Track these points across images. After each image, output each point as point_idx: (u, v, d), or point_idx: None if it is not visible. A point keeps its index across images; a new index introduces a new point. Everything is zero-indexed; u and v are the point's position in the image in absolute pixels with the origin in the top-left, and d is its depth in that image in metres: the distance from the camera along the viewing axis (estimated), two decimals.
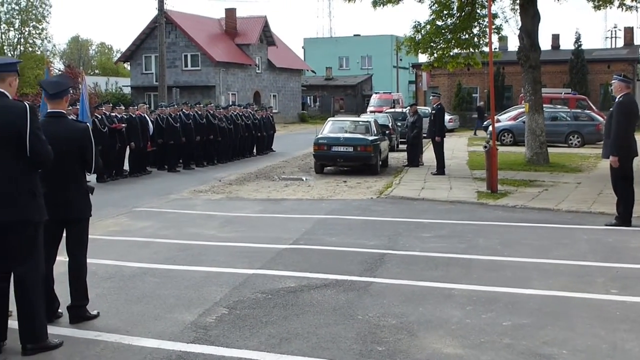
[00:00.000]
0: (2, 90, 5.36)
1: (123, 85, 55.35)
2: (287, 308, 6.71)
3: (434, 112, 19.98)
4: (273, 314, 6.53)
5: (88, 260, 6.48)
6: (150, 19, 50.27)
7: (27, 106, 5.31)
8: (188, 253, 9.32)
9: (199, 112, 22.48)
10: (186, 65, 53.46)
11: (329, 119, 24.18)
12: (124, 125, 18.57)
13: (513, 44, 49.15)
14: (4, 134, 5.20)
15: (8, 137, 5.21)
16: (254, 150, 27.50)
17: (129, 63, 57.33)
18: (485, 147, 15.82)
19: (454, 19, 21.98)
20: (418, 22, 22.26)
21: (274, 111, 38.56)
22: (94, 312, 6.35)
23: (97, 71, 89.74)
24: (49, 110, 6.19)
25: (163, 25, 36.67)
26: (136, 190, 16.57)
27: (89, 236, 6.45)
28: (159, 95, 36.46)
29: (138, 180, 18.70)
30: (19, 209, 5.29)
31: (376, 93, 55.85)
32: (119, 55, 71.14)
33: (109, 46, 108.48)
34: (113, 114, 18.70)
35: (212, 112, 23.37)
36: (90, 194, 6.28)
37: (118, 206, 13.79)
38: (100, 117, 17.92)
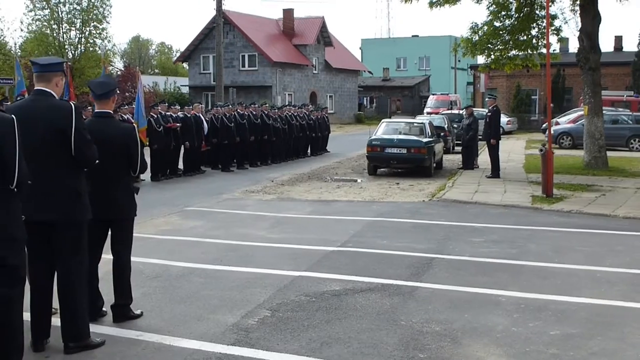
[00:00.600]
0: (49, 90, 5.42)
1: (181, 85, 56.00)
2: (330, 312, 6.66)
3: (489, 114, 19.71)
4: (315, 317, 6.49)
5: (137, 259, 6.56)
6: (209, 20, 50.78)
7: (72, 106, 5.37)
8: (236, 254, 9.35)
9: (254, 112, 22.60)
10: (243, 66, 53.84)
11: (382, 120, 24.06)
12: (178, 124, 18.77)
13: (574, 46, 48.10)
14: (50, 133, 5.27)
15: (53, 136, 5.28)
16: (308, 151, 27.53)
17: (187, 63, 58.02)
18: (541, 150, 15.52)
19: (512, 20, 21.62)
20: (475, 23, 21.98)
21: (330, 112, 38.58)
22: (138, 312, 6.40)
23: (156, 71, 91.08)
24: (96, 111, 6.27)
25: (221, 26, 36.96)
26: (189, 190, 16.72)
27: (140, 235, 6.55)
28: (216, 95, 36.77)
29: (191, 180, 18.88)
30: (64, 208, 5.35)
31: (433, 94, 55.34)
32: (178, 55, 72.08)
33: (169, 46, 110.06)
34: (168, 114, 18.91)
35: (266, 112, 23.48)
36: (135, 194, 6.32)
37: (170, 205, 13.93)
38: (155, 116, 18.14)
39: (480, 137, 21.49)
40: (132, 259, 6.48)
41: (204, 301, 6.98)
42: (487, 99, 20.72)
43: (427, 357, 5.52)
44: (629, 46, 56.69)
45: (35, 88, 5.46)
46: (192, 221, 12.08)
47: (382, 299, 7.10)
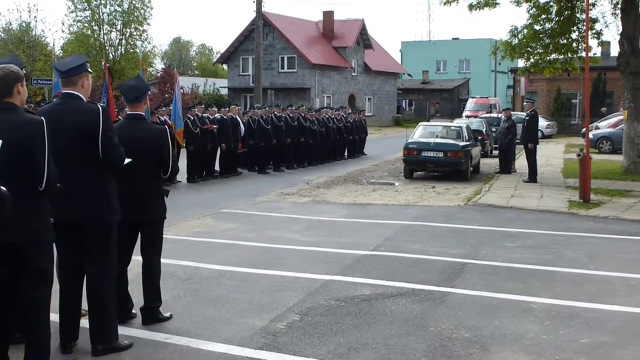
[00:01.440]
0: (76, 92, 5.46)
1: (220, 87, 56.42)
2: (359, 316, 6.65)
3: (527, 118, 19.52)
4: (344, 322, 6.48)
5: (169, 261, 6.61)
6: (249, 21, 51.08)
7: (100, 108, 5.41)
8: (268, 257, 9.38)
9: (291, 115, 22.67)
10: (282, 67, 54.05)
11: (420, 123, 23.98)
12: (215, 126, 18.89)
13: (615, 49, 47.44)
14: (78, 136, 5.32)
15: (81, 138, 5.33)
16: (345, 154, 27.52)
17: (226, 64, 58.41)
18: (579, 154, 15.32)
19: (552, 24, 21.41)
20: (515, 26, 21.79)
21: (368, 114, 38.55)
22: (167, 314, 6.45)
23: (196, 72, 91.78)
24: (128, 113, 6.34)
25: (260, 28, 37.19)
26: (225, 191, 16.83)
27: (173, 237, 6.61)
28: (255, 97, 36.99)
29: (228, 181, 18.99)
30: (93, 209, 5.40)
31: (472, 97, 54.94)
32: (217, 56, 72.60)
33: (209, 47, 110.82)
34: (205, 115, 19.05)
35: (303, 114, 23.53)
36: (165, 197, 6.38)
37: (205, 207, 14.04)
38: (192, 118, 18.29)
39: (518, 141, 21.29)
40: (164, 261, 6.54)
41: (233, 304, 7.02)
42: (525, 103, 20.50)
43: None
44: None
45: (63, 91, 5.52)
46: (226, 223, 12.16)
47: (412, 304, 7.07)
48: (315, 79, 53.43)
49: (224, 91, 56.03)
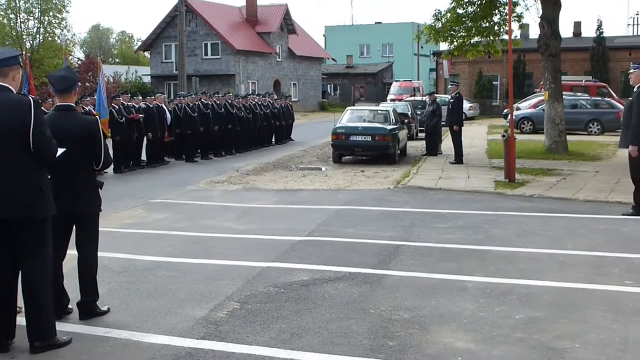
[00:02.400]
0: (6, 84, 5.30)
1: (143, 74, 55.49)
2: (299, 302, 6.68)
3: (452, 100, 19.86)
4: (285, 308, 6.51)
5: (101, 254, 6.49)
6: (171, 8, 50.39)
7: (31, 100, 5.27)
8: (202, 246, 9.33)
9: (217, 102, 22.48)
10: (206, 54, 53.52)
11: (347, 108, 24.14)
12: (141, 115, 18.59)
13: (534, 32, 48.64)
14: (9, 129, 5.17)
15: (12, 132, 5.18)
16: (273, 140, 27.49)
17: (149, 52, 57.48)
18: (504, 136, 15.69)
19: (474, 7, 21.77)
20: (439, 10, 22.10)
21: (294, 100, 38.51)
22: (105, 308, 6.34)
23: (117, 60, 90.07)
24: (57, 104, 6.18)
25: (183, 14, 36.67)
26: (153, 181, 16.62)
27: (104, 229, 6.47)
28: (179, 84, 36.49)
29: (155, 171, 18.75)
30: (26, 205, 5.26)
31: (397, 81, 55.53)
32: (139, 44, 71.39)
33: (130, 35, 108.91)
34: (130, 104, 18.73)
35: (230, 101, 23.37)
36: (99, 189, 6.26)
37: (134, 197, 13.84)
38: (117, 107, 17.96)
39: (443, 123, 21.65)
40: (97, 254, 6.43)
41: (171, 295, 6.95)
42: (449, 86, 20.84)
43: (396, 344, 5.57)
44: (587, 32, 57.47)
45: None
46: (157, 214, 12.01)
47: (351, 288, 7.14)
48: (239, 65, 53.08)
49: (147, 79, 55.14)
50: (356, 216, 11.50)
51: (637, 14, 75.02)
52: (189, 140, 21.03)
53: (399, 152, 20.35)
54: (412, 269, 7.93)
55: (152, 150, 19.68)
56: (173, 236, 9.98)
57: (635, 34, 69.18)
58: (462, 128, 19.69)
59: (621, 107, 30.32)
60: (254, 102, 25.28)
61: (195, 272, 7.83)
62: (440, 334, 5.80)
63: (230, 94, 27.14)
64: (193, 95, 22.66)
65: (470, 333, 5.81)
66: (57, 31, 43.00)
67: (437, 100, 22.36)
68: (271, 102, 27.34)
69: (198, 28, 53.04)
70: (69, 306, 6.29)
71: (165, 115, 20.02)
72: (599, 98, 33.82)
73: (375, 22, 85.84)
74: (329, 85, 73.92)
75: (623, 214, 11.03)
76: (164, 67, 54.11)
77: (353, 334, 5.80)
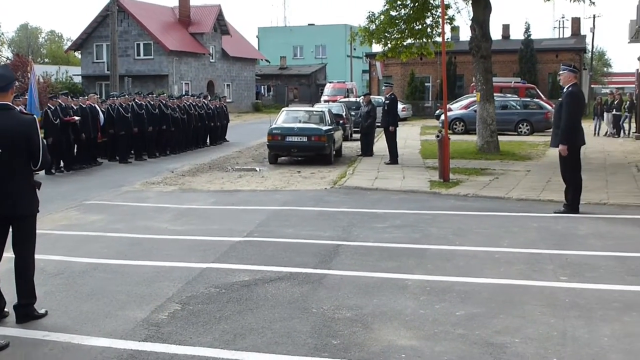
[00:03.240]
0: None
1: (74, 75, 54.32)
2: (241, 303, 6.65)
3: (387, 101, 20.04)
4: (227, 309, 6.47)
5: (36, 256, 6.33)
6: (102, 7, 49.56)
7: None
8: (140, 247, 9.20)
9: (152, 102, 22.19)
10: (139, 54, 52.75)
11: (283, 109, 24.14)
12: (77, 118, 18.20)
13: (465, 34, 49.52)
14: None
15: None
16: (208, 141, 27.28)
17: (80, 52, 56.33)
18: (438, 136, 15.92)
19: (407, 10, 22.02)
20: (372, 12, 22.29)
21: (227, 101, 38.24)
22: (42, 311, 6.20)
23: (46, 60, 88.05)
24: None
25: (115, 14, 36.05)
26: (86, 183, 16.30)
27: (38, 231, 6.29)
28: (111, 85, 35.86)
29: (88, 172, 18.39)
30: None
31: (330, 82, 55.82)
32: (69, 43, 69.90)
33: (59, 34, 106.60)
34: (68, 105, 18.28)
35: (164, 102, 23.10)
36: (37, 189, 6.11)
37: (68, 199, 13.56)
38: (53, 108, 17.51)
39: (378, 124, 21.84)
40: (34, 256, 6.27)
41: (110, 297, 6.83)
42: (384, 87, 21.02)
43: (340, 343, 5.60)
44: (515, 34, 58.71)
45: None
46: (92, 215, 11.79)
47: (292, 288, 7.14)
48: (172, 65, 52.50)
49: (78, 79, 54.03)
50: (294, 216, 11.51)
51: (563, 17, 77.09)
52: (123, 141, 20.70)
53: (334, 152, 20.45)
54: (353, 268, 7.98)
55: (85, 151, 19.29)
56: (109, 238, 9.81)
57: (561, 36, 71.09)
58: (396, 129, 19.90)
59: (549, 107, 31.27)
60: (188, 103, 25.04)
61: (134, 274, 7.72)
62: (383, 332, 5.85)
63: (164, 94, 26.83)
64: (127, 96, 22.30)
65: (412, 330, 5.88)
66: None
67: (372, 101, 22.54)
68: (206, 102, 27.14)
69: (130, 28, 52.25)
70: (6, 310, 6.13)
71: (98, 115, 19.67)
72: (528, 99, 34.70)
73: (309, 24, 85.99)
74: (262, 87, 73.73)
75: (555, 212, 11.31)
76: (96, 67, 53.12)
77: (297, 334, 5.80)
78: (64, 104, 18.12)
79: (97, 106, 19.91)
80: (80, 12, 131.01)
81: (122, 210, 12.40)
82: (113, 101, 20.98)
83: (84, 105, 19.05)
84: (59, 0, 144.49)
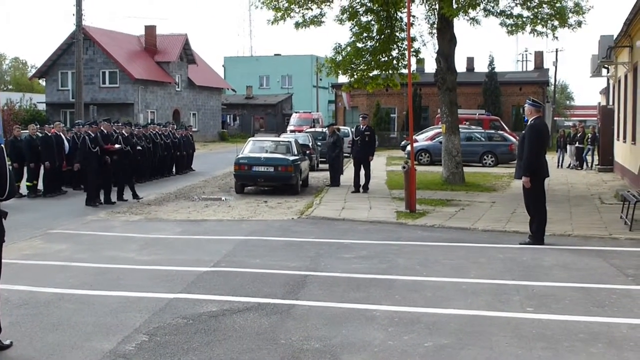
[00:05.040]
0: None
1: (38, 102, 53.89)
2: (209, 333, 6.61)
3: (368, 132, 20.07)
4: (195, 340, 6.42)
5: (1, 287, 6.25)
6: (68, 35, 49.33)
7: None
8: (106, 277, 9.10)
9: (117, 131, 21.99)
10: (104, 82, 52.57)
11: (249, 138, 24.18)
12: (119, 146, 17.92)
13: (430, 66, 50.16)
14: None
15: None
16: (174, 170, 27.17)
17: (44, 79, 55.95)
18: (404, 167, 16.06)
19: (373, 42, 22.26)
20: (339, 44, 22.47)
21: (193, 130, 38.18)
22: (7, 342, 6.09)
23: (10, 87, 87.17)
24: None
25: (81, 41, 35.93)
26: (51, 211, 16.10)
27: (2, 260, 6.21)
28: (76, 113, 35.62)
29: (53, 201, 18.18)
30: None
31: (296, 112, 56.05)
32: (34, 70, 69.37)
33: (24, 61, 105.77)
34: (110, 133, 18.14)
35: (130, 131, 22.92)
36: (3, 219, 6.04)
37: (32, 227, 13.39)
38: (93, 135, 17.22)
39: (346, 155, 21.93)
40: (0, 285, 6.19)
41: (77, 328, 6.75)
42: (360, 119, 21.13)
43: None
44: (480, 67, 59.63)
45: None
46: (57, 244, 11.66)
47: (260, 319, 7.12)
48: (138, 94, 52.37)
49: (42, 107, 53.58)
50: (262, 246, 11.49)
51: (526, 51, 78.48)
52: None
53: (301, 182, 20.49)
54: (321, 298, 7.98)
55: (49, 179, 19.08)
56: (75, 267, 9.70)
57: (524, 69, 72.34)
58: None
59: (513, 140, 31.71)
60: (154, 132, 24.94)
61: (100, 304, 7.63)
62: None
63: (130, 123, 26.65)
64: (93, 125, 22.07)
65: None
66: None
67: (336, 131, 22.64)
68: (172, 131, 27.05)
69: (96, 56, 52.09)
70: None
71: (63, 144, 19.49)
72: (493, 131, 35.18)
73: (275, 54, 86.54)
74: (228, 116, 73.77)
75: (520, 243, 11.45)
76: (60, 94, 52.78)
77: None
78: (105, 131, 17.73)
79: (62, 134, 19.74)
80: (45, 39, 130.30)
81: (88, 239, 12.28)
82: (79, 130, 20.80)
83: (49, 134, 18.88)
84: (24, 26, 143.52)
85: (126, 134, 19.45)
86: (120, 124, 23.26)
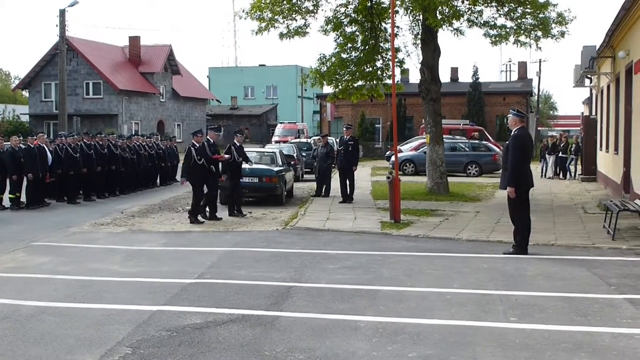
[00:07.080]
0: None
1: (21, 113, 53.67)
2: (193, 346, 6.59)
3: (351, 142, 20.19)
4: (179, 352, 6.40)
5: None
6: (51, 46, 49.17)
7: None
8: (89, 290, 9.05)
9: (100, 142, 21.97)
10: (88, 93, 52.41)
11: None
12: (227, 156, 17.04)
13: (414, 76, 50.45)
14: None
15: None
16: (158, 181, 27.09)
17: (27, 90, 55.72)
18: (389, 177, 16.09)
19: (358, 52, 22.31)
20: (323, 54, 22.48)
21: (178, 140, 38.17)
22: None
23: None
24: None
25: (64, 52, 35.92)
26: (34, 224, 15.99)
27: None
28: (59, 124, 35.56)
29: (35, 213, 18.06)
30: None
31: (281, 123, 56.15)
32: (17, 82, 69.10)
33: (7, 72, 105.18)
34: (217, 142, 17.35)
35: (114, 142, 22.91)
36: None
37: (14, 240, 13.30)
38: (198, 145, 16.22)
39: (334, 165, 21.99)
40: None
41: (59, 341, 6.70)
42: (344, 129, 21.23)
43: None
44: (464, 77, 59.88)
45: None
46: (40, 257, 11.57)
47: (245, 330, 7.10)
48: (122, 105, 52.24)
49: (25, 118, 53.35)
50: (246, 258, 11.46)
51: (509, 61, 79.04)
52: (71, 181, 20.42)
53: (285, 193, 20.48)
54: (305, 310, 7.97)
55: (32, 191, 18.98)
56: (58, 280, 9.63)
57: (508, 79, 72.78)
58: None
59: (497, 150, 31.88)
60: (138, 143, 24.88)
61: (83, 317, 7.59)
62: None
63: (114, 134, 26.63)
64: (75, 136, 22.05)
65: None
66: None
67: (329, 142, 22.72)
68: (156, 142, 26.99)
69: (79, 67, 51.94)
70: None
71: (46, 155, 19.41)
72: (477, 141, 35.33)
73: (260, 65, 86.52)
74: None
75: (504, 253, 11.49)
76: (44, 106, 52.57)
77: None
78: (212, 140, 17.12)
79: (45, 146, 19.66)
80: (28, 50, 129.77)
81: (71, 251, 12.20)
82: (62, 141, 20.73)
83: (31, 145, 18.80)
84: (7, 37, 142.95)
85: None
86: (103, 135, 23.28)
